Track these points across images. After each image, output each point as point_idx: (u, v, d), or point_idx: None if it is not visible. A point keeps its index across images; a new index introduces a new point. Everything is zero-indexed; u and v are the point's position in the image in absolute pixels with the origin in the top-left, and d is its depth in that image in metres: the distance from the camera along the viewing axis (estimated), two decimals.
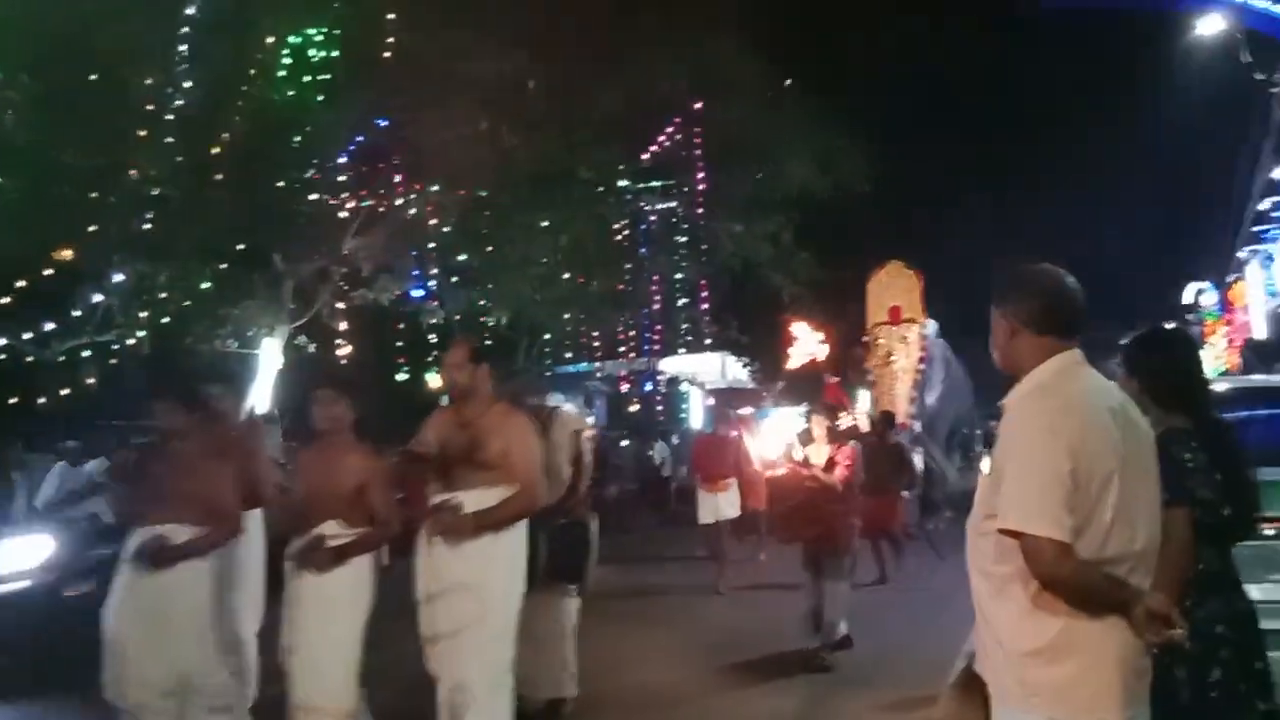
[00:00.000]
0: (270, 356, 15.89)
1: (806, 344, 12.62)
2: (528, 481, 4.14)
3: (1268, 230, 19.62)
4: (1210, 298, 27.98)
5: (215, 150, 13.59)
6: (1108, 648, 2.20)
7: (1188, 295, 29.92)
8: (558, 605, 5.24)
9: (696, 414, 26.62)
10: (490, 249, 17.28)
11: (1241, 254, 21.30)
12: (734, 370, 27.71)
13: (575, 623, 5.45)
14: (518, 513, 4.14)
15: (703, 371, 27.49)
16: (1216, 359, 23.33)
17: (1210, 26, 11.25)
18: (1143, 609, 2.13)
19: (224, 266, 14.75)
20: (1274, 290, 19.23)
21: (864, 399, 15.55)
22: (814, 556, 6.76)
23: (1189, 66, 13.68)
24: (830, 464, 6.99)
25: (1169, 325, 3.42)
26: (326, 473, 4.30)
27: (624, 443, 21.51)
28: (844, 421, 8.94)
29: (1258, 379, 10.24)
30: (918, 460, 12.11)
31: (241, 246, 14.73)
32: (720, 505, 9.97)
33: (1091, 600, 2.18)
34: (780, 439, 12.33)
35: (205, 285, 14.57)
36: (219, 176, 13.47)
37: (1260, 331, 20.63)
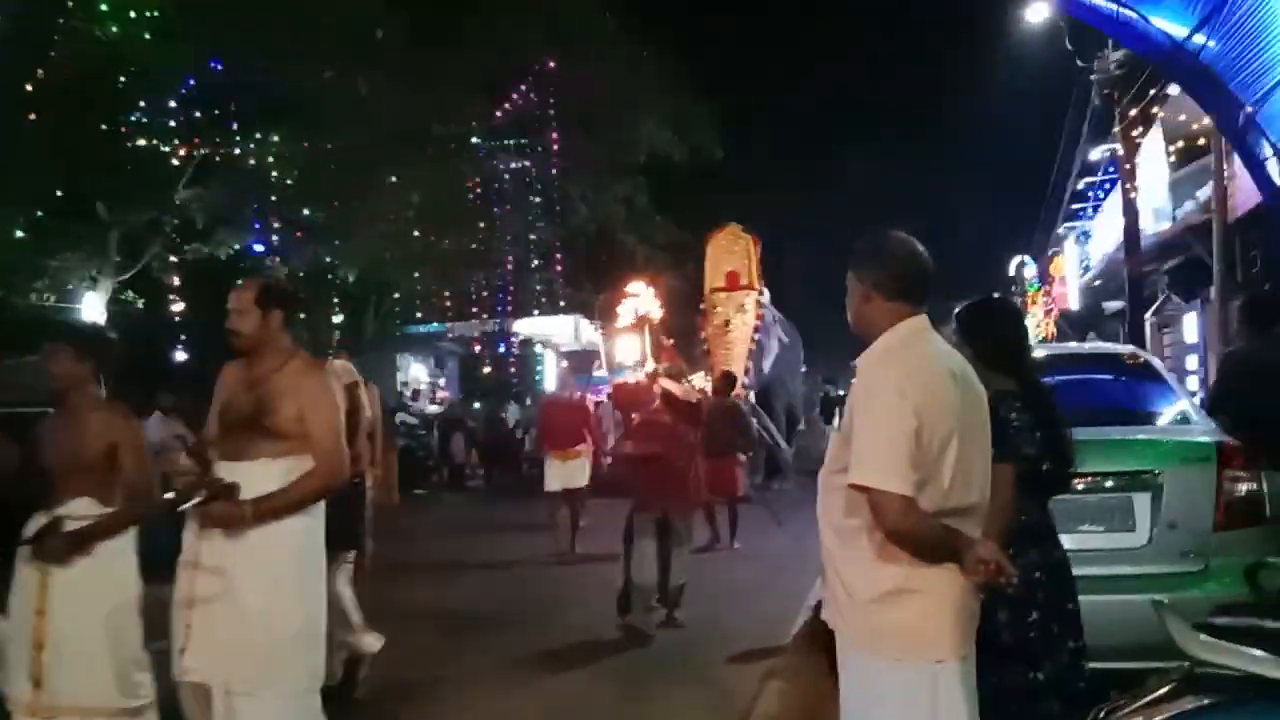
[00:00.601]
0: (91, 312, 14.86)
1: (642, 302, 11.80)
2: (326, 452, 3.40)
3: (1083, 209, 21.12)
4: (1031, 270, 29.90)
5: (28, 87, 12.49)
6: (946, 593, 2.34)
7: (1011, 268, 31.91)
8: (331, 575, 4.30)
9: (550, 377, 26.60)
10: (337, 203, 16.64)
11: (1060, 230, 22.85)
12: (588, 333, 27.78)
13: (351, 592, 4.93)
14: (313, 491, 3.40)
15: (557, 334, 27.43)
16: (1036, 328, 24.98)
17: (1037, 14, 11.93)
18: (974, 556, 2.28)
19: (40, 214, 13.67)
20: (1087, 265, 20.73)
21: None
22: (661, 521, 6.43)
23: (1018, 52, 14.51)
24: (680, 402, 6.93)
25: (996, 295, 3.63)
26: (68, 440, 3.62)
27: (476, 405, 21.30)
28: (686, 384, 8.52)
29: (1069, 346, 10.98)
30: (754, 426, 11.69)
31: (60, 193, 13.67)
32: (571, 473, 9.65)
33: (930, 550, 2.32)
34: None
35: (19, 234, 13.47)
36: (32, 116, 12.41)
37: (1074, 303, 22.23)
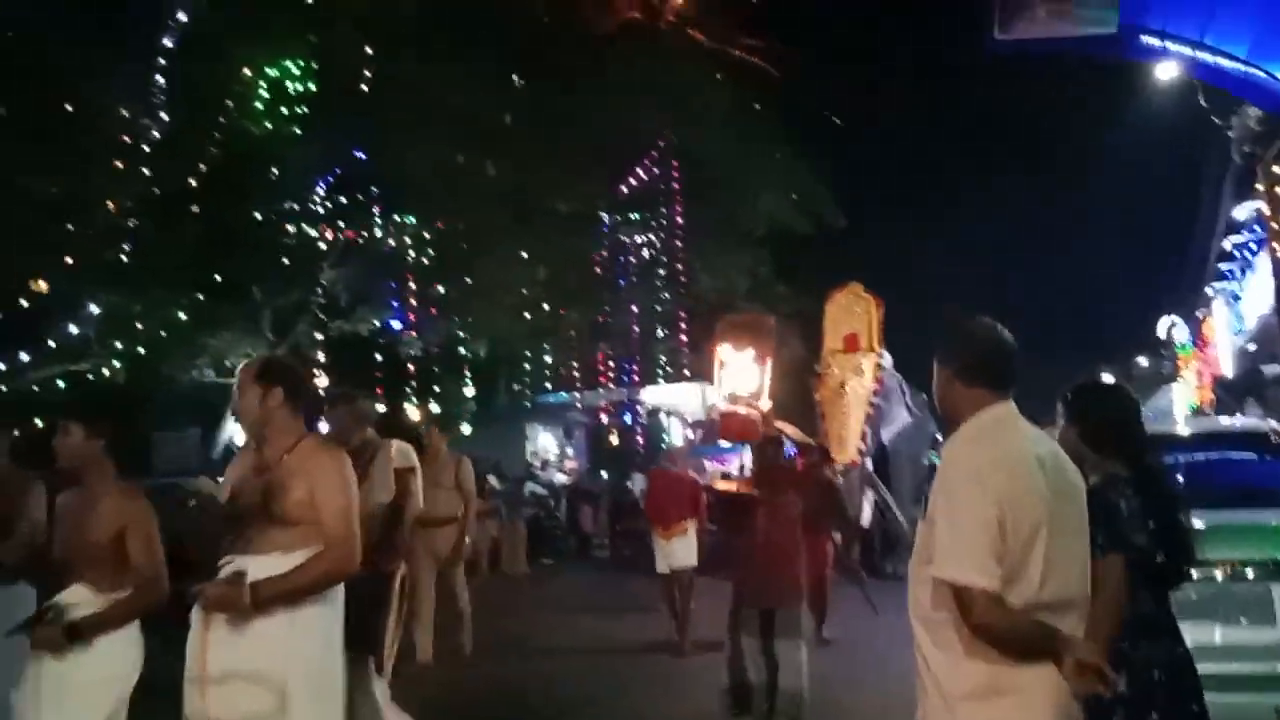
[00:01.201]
0: None
1: (737, 369, 9.85)
2: (335, 537, 3.16)
3: (1231, 269, 19.95)
4: (1182, 332, 28.34)
5: (192, 181, 13.61)
6: (1040, 693, 2.23)
7: (1160, 329, 30.31)
8: (352, 677, 3.92)
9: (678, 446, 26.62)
10: (468, 280, 17.35)
11: (1209, 290, 21.63)
12: (714, 400, 27.71)
13: (380, 697, 4.46)
14: (319, 576, 3.14)
15: (683, 403, 27.51)
16: (1188, 395, 23.57)
17: (1167, 71, 11.52)
18: (1073, 660, 2.18)
19: (201, 297, 14.76)
20: (1240, 328, 19.50)
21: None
22: (766, 614, 5.74)
23: (1149, 108, 13.98)
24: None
25: (1106, 376, 3.51)
26: (76, 522, 3.49)
27: (603, 474, 21.50)
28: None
29: (1209, 422, 10.36)
30: (866, 505, 10.89)
31: (219, 277, 14.75)
32: (677, 551, 8.91)
33: (1022, 647, 2.23)
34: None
35: (182, 316, 14.56)
36: (195, 208, 13.49)
37: (1227, 368, 20.88)
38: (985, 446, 2.36)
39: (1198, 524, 3.22)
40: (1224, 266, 20.36)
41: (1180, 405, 28.22)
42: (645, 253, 25.33)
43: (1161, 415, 30.80)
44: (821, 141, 21.71)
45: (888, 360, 11.88)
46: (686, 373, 27.30)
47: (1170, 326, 29.53)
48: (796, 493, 6.23)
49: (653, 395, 27.07)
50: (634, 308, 25.85)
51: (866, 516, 11.05)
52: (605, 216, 21.85)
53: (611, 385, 26.63)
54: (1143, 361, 34.09)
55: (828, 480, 8.77)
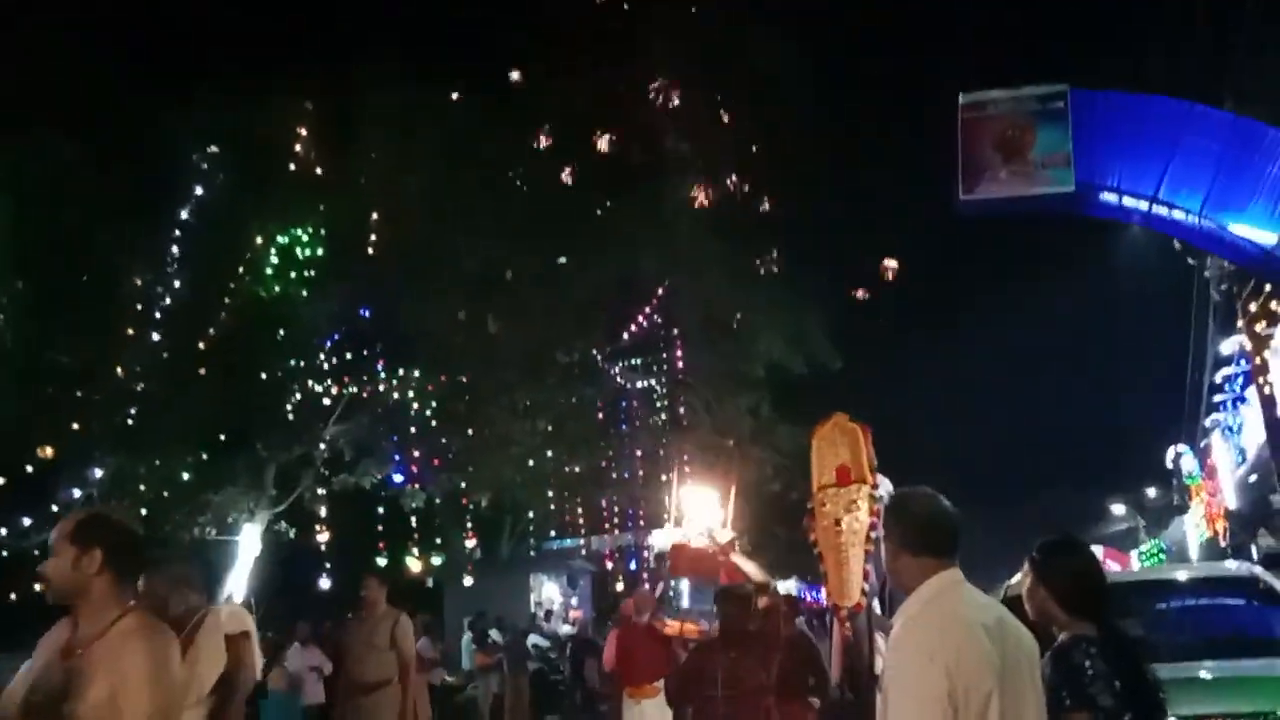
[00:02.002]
0: (249, 543, 15.86)
1: (697, 500, 8.15)
2: None
3: (1223, 401, 20.11)
4: (1189, 461, 28.20)
5: (201, 345, 14.03)
6: None
7: (1169, 458, 30.17)
8: None
9: (684, 591, 26.20)
10: (471, 432, 17.55)
11: (1206, 423, 21.72)
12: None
13: None
14: None
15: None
16: (1196, 526, 23.31)
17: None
18: None
19: (205, 456, 14.95)
20: (1240, 459, 19.49)
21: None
22: None
23: (1136, 243, 14.46)
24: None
25: (1071, 537, 3.63)
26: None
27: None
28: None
29: (1185, 568, 10.26)
30: (880, 644, 9.61)
31: (224, 435, 14.98)
32: (648, 714, 8.09)
33: None
34: None
35: (186, 475, 14.72)
36: (203, 370, 13.86)
37: (1231, 499, 20.73)
38: (931, 619, 2.47)
39: (1177, 676, 3.23)
40: (1218, 398, 20.55)
41: (1193, 536, 27.83)
42: (647, 396, 25.59)
43: (1176, 547, 30.40)
44: (819, 284, 22.26)
45: (886, 489, 11.09)
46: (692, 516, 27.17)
47: (1177, 456, 29.40)
48: (767, 655, 5.65)
49: (659, 539, 26.79)
50: (638, 452, 25.93)
51: (879, 663, 10.29)
52: (606, 365, 22.21)
53: (616, 530, 26.44)
54: (1151, 492, 33.81)
55: (800, 636, 7.57)
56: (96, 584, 2.75)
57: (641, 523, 27.09)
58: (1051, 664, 2.72)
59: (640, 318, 23.79)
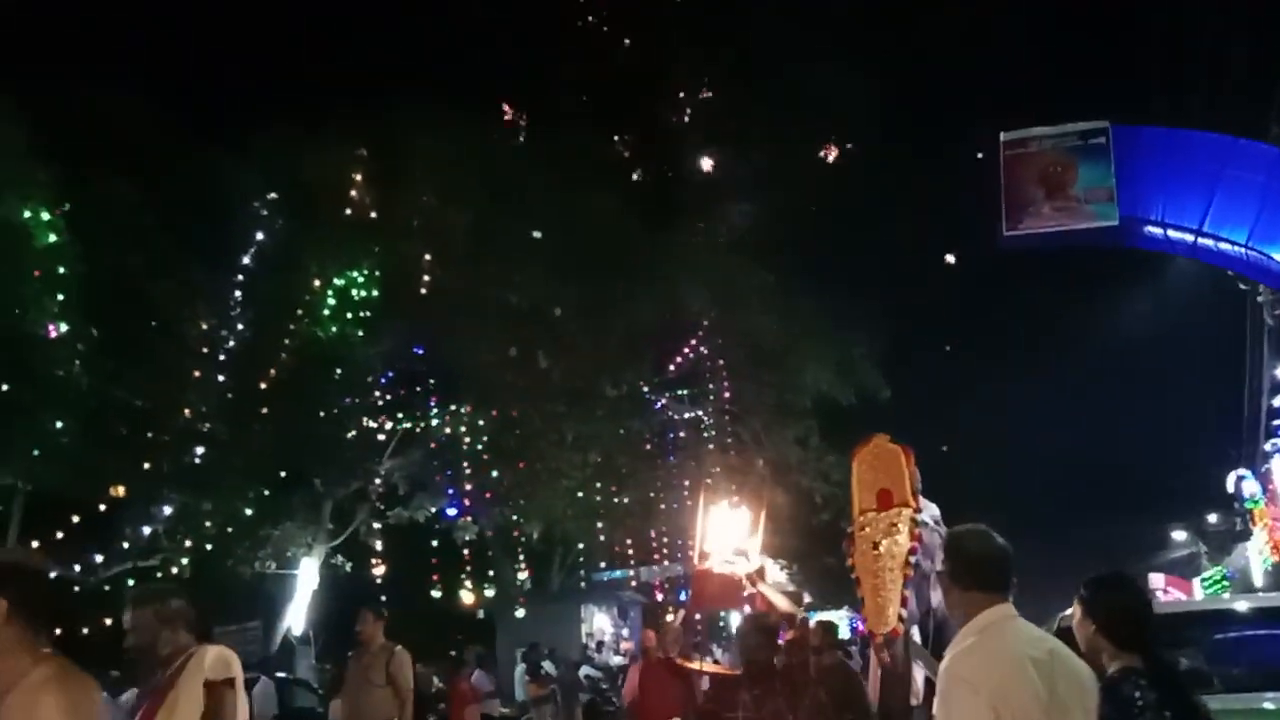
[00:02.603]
0: (307, 576, 16.25)
1: (722, 522, 7.67)
2: None
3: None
4: (1251, 485, 27.48)
5: (262, 385, 14.49)
6: None
7: (1230, 483, 29.41)
8: None
9: (734, 621, 26.12)
10: (521, 465, 17.81)
11: (1267, 447, 21.25)
12: (773, 573, 27.34)
13: None
14: None
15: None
16: (1260, 553, 22.71)
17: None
18: None
19: (266, 492, 15.38)
20: None
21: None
22: None
23: (1183, 273, 14.35)
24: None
25: (1119, 570, 3.67)
26: None
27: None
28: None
29: (1257, 598, 10.10)
30: (918, 676, 8.19)
31: (284, 472, 15.40)
32: None
33: None
34: None
35: (248, 511, 15.15)
36: (264, 410, 14.30)
37: None
38: (979, 651, 2.56)
39: (1239, 707, 3.22)
40: (1278, 422, 20.10)
41: (1256, 562, 27.05)
42: (695, 427, 25.69)
43: (1240, 573, 29.53)
44: (868, 315, 22.24)
45: (931, 514, 9.50)
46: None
47: (1239, 480, 28.65)
48: (794, 692, 5.36)
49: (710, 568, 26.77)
50: (686, 482, 25.98)
51: (919, 691, 9.15)
52: (654, 397, 22.38)
53: (666, 561, 26.46)
54: (1213, 518, 32.94)
55: (838, 667, 7.22)
56: (4, 634, 2.52)
57: (691, 553, 27.11)
58: (1103, 697, 2.77)
59: (687, 349, 23.96)
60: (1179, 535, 35.38)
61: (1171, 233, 11.08)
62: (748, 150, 20.89)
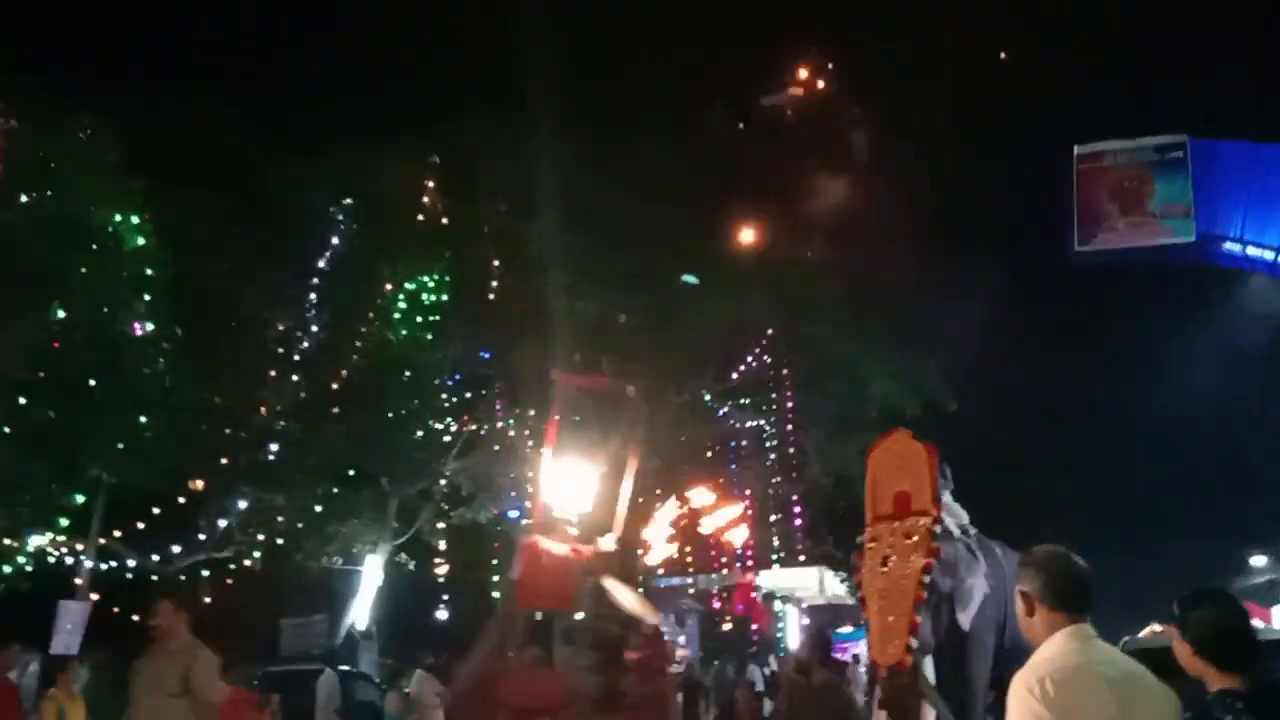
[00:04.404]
0: (372, 573, 16.62)
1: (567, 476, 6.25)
2: None
3: None
4: None
5: (334, 386, 14.89)
6: None
7: None
8: None
9: (793, 633, 25.99)
10: None
11: None
12: (833, 585, 27.09)
13: None
14: None
15: (800, 587, 26.96)
16: None
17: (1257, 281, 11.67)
18: None
19: (335, 489, 15.79)
20: None
21: None
22: None
23: (1264, 288, 13.87)
24: None
25: (1215, 588, 3.52)
26: None
27: (715, 663, 21.13)
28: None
29: None
30: (928, 716, 6.48)
31: (352, 471, 15.80)
32: None
33: None
34: None
35: (317, 508, 15.57)
36: (335, 409, 14.69)
37: None
38: (1051, 664, 2.55)
39: None
40: None
41: None
42: (758, 437, 25.64)
43: None
44: (940, 328, 21.92)
45: (956, 521, 7.42)
46: (802, 557, 26.91)
47: None
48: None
49: (768, 579, 26.68)
50: (747, 491, 25.94)
51: None
52: (717, 405, 22.41)
53: (724, 570, 26.43)
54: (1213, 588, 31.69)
55: (828, 688, 6.01)
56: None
57: (750, 562, 27.03)
58: None
59: (750, 358, 23.94)
60: (1258, 561, 34.14)
61: (1250, 250, 10.79)
62: (814, 161, 20.82)
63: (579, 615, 4.77)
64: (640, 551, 5.89)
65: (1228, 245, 10.81)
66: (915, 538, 6.18)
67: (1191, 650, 2.91)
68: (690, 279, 17.62)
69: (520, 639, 4.70)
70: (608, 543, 5.08)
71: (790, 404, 24.56)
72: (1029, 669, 2.59)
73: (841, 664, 9.28)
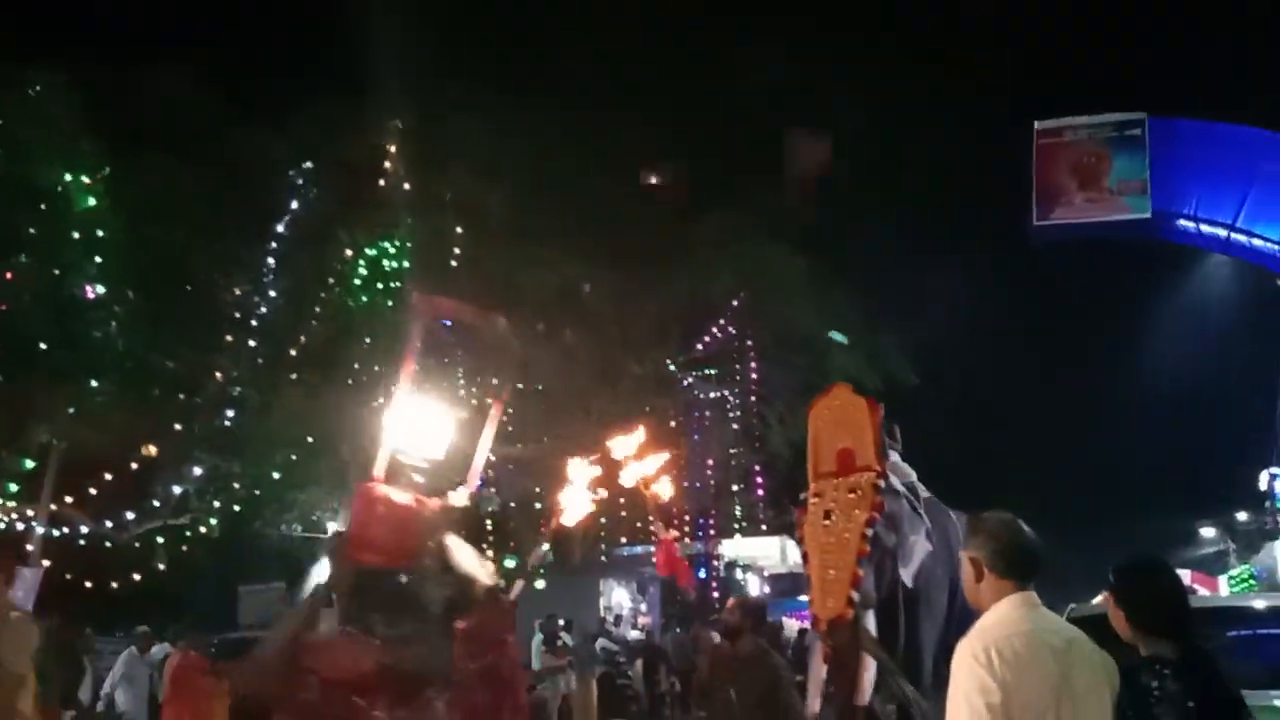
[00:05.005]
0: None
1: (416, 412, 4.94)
2: None
3: None
4: None
5: (293, 352, 14.71)
6: None
7: (1262, 481, 29.04)
8: None
9: None
10: (545, 440, 17.97)
11: None
12: (794, 554, 27.37)
13: None
14: None
15: (762, 556, 27.27)
16: None
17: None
18: None
19: (294, 457, 15.66)
20: None
21: None
22: None
23: (1219, 269, 14.10)
24: None
25: (1150, 556, 3.59)
26: None
27: (678, 630, 21.35)
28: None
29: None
30: (868, 675, 6.24)
31: (310, 438, 15.66)
32: None
33: None
34: None
35: (276, 475, 15.43)
36: (294, 376, 14.53)
37: None
38: (994, 631, 2.59)
39: (1255, 704, 3.12)
40: None
41: None
42: (720, 407, 25.76)
43: (1268, 572, 29.26)
44: (897, 301, 22.07)
45: (903, 479, 7.16)
46: (764, 526, 27.19)
47: (1272, 479, 28.28)
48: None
49: (732, 548, 26.95)
50: (709, 461, 26.09)
51: (866, 692, 6.61)
52: (680, 375, 22.44)
53: (687, 539, 26.63)
54: (1243, 516, 32.58)
55: (756, 656, 5.70)
56: None
57: (712, 531, 27.27)
58: (1122, 685, 2.75)
59: (714, 329, 24.00)
60: (1208, 532, 35.06)
61: (1204, 227, 10.94)
62: (778, 135, 20.76)
63: (403, 578, 4.22)
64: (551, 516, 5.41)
65: (1182, 222, 10.97)
66: (858, 492, 6.11)
67: (1125, 616, 2.97)
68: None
69: (346, 598, 4.07)
70: (459, 496, 4.67)
71: (754, 375, 24.70)
72: (975, 635, 2.62)
73: (776, 627, 9.26)
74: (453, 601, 4.21)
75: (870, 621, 5.62)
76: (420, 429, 4.50)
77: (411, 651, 3.85)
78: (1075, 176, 11.29)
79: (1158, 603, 3.01)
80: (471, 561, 4.44)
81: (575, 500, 5.56)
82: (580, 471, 5.60)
